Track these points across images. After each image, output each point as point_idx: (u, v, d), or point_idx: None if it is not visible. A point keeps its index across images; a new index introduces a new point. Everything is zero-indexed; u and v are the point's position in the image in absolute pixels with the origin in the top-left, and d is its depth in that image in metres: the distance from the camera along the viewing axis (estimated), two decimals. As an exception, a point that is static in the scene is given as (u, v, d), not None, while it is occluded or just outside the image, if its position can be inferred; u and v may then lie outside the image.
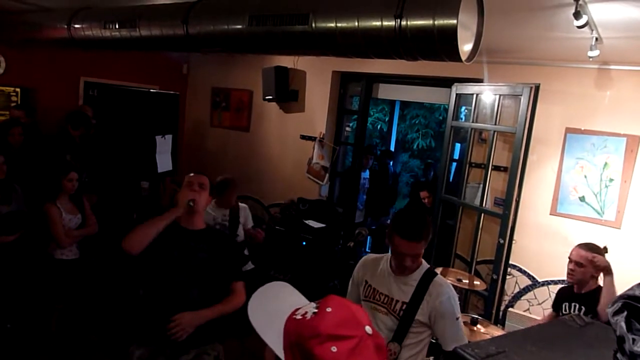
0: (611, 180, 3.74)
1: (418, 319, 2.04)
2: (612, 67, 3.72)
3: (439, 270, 3.56)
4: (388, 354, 2.06)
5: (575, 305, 2.90)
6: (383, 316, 2.13)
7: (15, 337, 3.70)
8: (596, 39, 2.77)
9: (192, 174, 2.51)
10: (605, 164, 3.76)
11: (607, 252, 2.90)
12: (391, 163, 7.96)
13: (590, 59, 3.00)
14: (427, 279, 2.07)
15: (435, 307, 2.02)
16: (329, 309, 0.89)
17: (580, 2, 2.19)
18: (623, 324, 0.78)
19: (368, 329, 0.86)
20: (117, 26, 3.38)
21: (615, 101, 3.75)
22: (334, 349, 0.83)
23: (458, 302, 2.09)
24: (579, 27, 2.38)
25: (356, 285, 2.29)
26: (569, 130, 3.92)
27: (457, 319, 2.04)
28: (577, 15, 2.24)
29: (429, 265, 2.15)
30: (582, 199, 3.87)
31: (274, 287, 1.10)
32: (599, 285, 2.84)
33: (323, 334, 0.84)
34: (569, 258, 2.93)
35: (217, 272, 2.34)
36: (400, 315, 2.07)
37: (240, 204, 4.11)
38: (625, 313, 0.79)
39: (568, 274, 2.93)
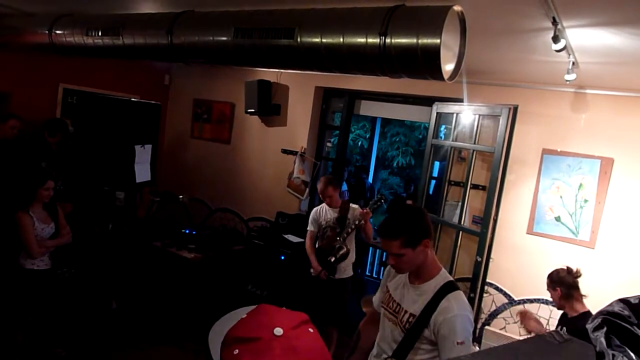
0: (586, 201, 3.82)
1: (425, 335, 1.88)
2: (587, 91, 3.84)
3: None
4: None
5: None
6: (391, 325, 2.00)
7: (-21, 350, 3.56)
8: (573, 63, 2.86)
9: None
10: (580, 184, 3.85)
11: (571, 272, 2.97)
12: (368, 178, 8.07)
13: (567, 83, 3.09)
14: (442, 293, 1.89)
15: (438, 324, 1.84)
16: (244, 316, 0.90)
17: (559, 26, 2.27)
18: (603, 340, 0.79)
19: (278, 330, 0.83)
20: (99, 33, 3.34)
21: (590, 124, 3.85)
22: (235, 351, 0.83)
23: (469, 325, 1.87)
24: (557, 51, 2.45)
25: (382, 289, 2.19)
26: (545, 151, 4.01)
27: (460, 343, 1.80)
28: (555, 39, 2.31)
29: (449, 279, 1.97)
30: (557, 218, 3.95)
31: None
32: (582, 313, 2.88)
33: (229, 338, 0.86)
34: None
35: None
36: (407, 329, 1.92)
37: (352, 204, 4.28)
38: (605, 329, 0.80)
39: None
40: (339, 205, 4.24)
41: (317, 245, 4.32)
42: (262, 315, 0.89)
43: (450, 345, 1.81)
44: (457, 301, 1.88)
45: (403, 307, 1.97)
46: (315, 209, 4.38)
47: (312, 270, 4.21)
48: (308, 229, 4.35)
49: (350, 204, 4.28)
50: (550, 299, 3.07)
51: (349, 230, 4.11)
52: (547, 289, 3.05)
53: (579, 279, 2.96)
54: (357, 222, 4.04)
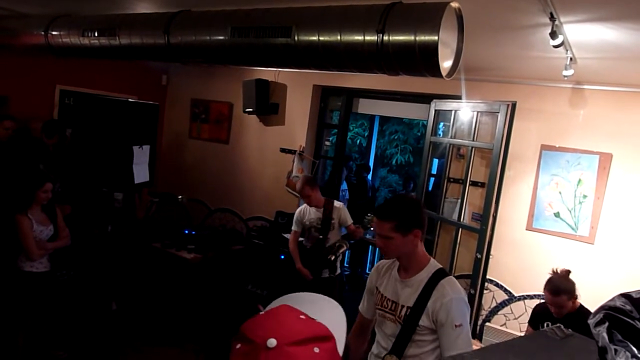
0: (585, 196, 3.82)
1: (422, 324, 1.89)
2: (585, 86, 3.84)
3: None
4: None
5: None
6: (391, 324, 1.99)
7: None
8: (571, 59, 2.86)
9: None
10: (579, 180, 3.85)
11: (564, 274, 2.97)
12: (369, 176, 8.07)
13: (565, 78, 3.09)
14: (434, 280, 1.91)
15: (436, 310, 1.86)
16: (262, 312, 0.88)
17: (557, 22, 2.26)
18: (605, 335, 0.78)
19: (271, 341, 0.78)
20: (96, 34, 3.33)
21: (589, 120, 3.85)
22: (238, 346, 0.82)
23: (465, 308, 1.89)
24: (555, 47, 2.45)
25: (370, 293, 2.18)
26: (544, 147, 4.01)
27: (458, 326, 1.83)
28: (553, 35, 2.31)
29: (439, 266, 1.99)
30: (557, 214, 3.95)
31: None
32: (580, 306, 2.89)
33: (241, 330, 0.85)
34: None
35: None
36: (403, 321, 1.93)
37: (335, 202, 4.30)
38: (607, 324, 0.80)
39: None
40: (321, 205, 4.24)
41: (304, 244, 4.36)
42: (272, 319, 0.84)
43: (448, 329, 1.84)
44: (451, 285, 1.91)
45: (400, 303, 1.98)
46: (299, 209, 4.39)
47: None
48: (292, 228, 4.38)
49: (334, 203, 4.28)
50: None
51: (333, 229, 4.17)
52: (562, 304, 2.87)
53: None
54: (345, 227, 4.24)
